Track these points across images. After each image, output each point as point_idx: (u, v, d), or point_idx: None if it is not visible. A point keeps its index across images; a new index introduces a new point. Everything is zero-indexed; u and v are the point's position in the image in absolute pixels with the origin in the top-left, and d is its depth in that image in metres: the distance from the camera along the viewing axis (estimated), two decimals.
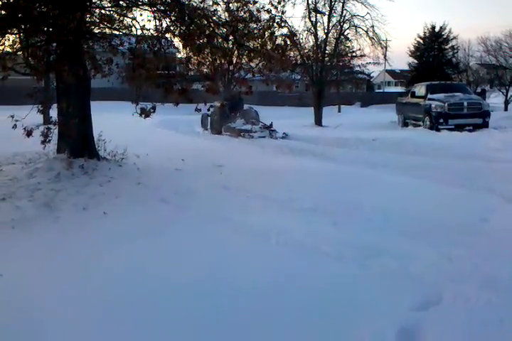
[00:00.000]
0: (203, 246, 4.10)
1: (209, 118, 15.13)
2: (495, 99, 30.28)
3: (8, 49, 7.10)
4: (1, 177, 6.45)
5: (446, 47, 35.25)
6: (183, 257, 3.84)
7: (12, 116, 6.39)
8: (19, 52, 7.04)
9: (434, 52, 34.96)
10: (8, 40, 7.20)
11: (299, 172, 7.27)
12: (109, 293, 3.19)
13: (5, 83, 6.92)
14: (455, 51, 35.46)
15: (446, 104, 14.83)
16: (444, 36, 35.13)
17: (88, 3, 6.91)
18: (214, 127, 14.57)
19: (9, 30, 6.67)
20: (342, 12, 18.85)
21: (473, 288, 3.12)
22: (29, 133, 6.58)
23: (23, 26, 6.46)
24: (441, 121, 14.76)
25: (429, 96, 15.77)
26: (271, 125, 13.18)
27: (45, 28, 6.57)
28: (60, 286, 3.31)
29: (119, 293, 3.20)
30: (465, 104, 14.99)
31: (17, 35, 7.03)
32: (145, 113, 6.96)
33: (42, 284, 3.36)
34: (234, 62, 19.06)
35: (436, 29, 35.20)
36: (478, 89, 25.98)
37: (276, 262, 3.70)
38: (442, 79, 25.00)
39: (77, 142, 7.15)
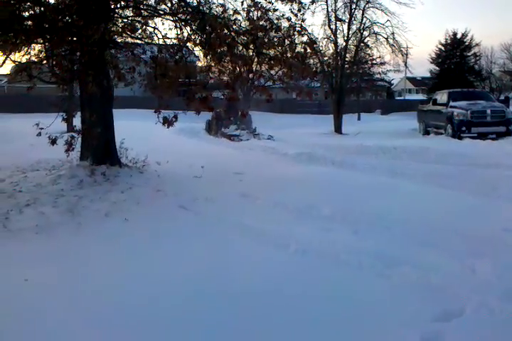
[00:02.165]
0: (222, 254, 4.11)
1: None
2: None
3: (33, 58, 7.29)
4: (25, 184, 6.58)
5: (469, 54, 34.92)
6: (201, 264, 3.86)
7: (37, 124, 6.54)
8: (44, 62, 7.21)
9: (455, 59, 34.66)
10: (34, 49, 7.40)
11: (318, 180, 7.26)
12: (126, 297, 3.22)
13: (30, 91, 7.12)
14: (477, 58, 35.12)
15: (468, 112, 14.64)
16: (466, 43, 34.82)
17: (111, 14, 7.05)
18: (212, 131, 17.05)
19: (35, 40, 6.85)
20: (362, 19, 18.84)
21: (496, 299, 3.06)
22: (53, 142, 6.73)
23: (48, 36, 6.62)
24: (464, 129, 14.56)
25: (451, 103, 15.59)
26: (255, 129, 16.14)
27: (70, 38, 6.72)
28: (83, 291, 3.36)
29: (137, 297, 3.23)
30: (488, 111, 14.77)
31: (42, 45, 7.21)
32: (167, 122, 7.04)
33: (65, 289, 3.41)
34: (254, 70, 19.20)
35: (458, 36, 34.94)
36: (502, 97, 25.61)
37: (296, 271, 3.69)
38: (464, 86, 24.70)
39: (100, 149, 7.28)
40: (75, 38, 6.63)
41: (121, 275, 3.65)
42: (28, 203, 5.61)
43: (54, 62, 6.99)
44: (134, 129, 12.55)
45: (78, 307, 3.13)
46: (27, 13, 6.34)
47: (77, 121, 7.55)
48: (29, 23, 6.34)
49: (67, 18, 6.46)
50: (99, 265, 3.87)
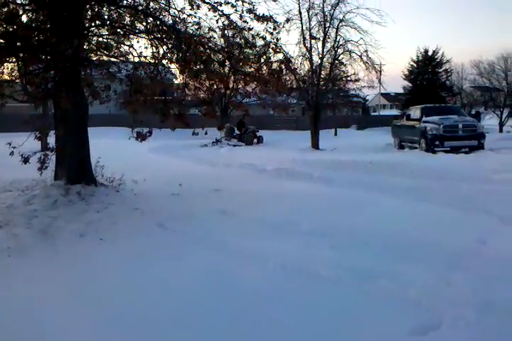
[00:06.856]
0: (200, 271, 4.06)
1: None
2: (490, 121, 30.59)
3: (6, 77, 7.18)
4: None
5: (440, 70, 35.88)
6: (179, 283, 3.80)
7: (9, 143, 6.41)
8: (17, 80, 7.11)
9: (427, 75, 35.56)
10: (7, 68, 7.29)
11: (296, 196, 7.28)
12: (103, 318, 3.15)
13: (2, 110, 6.99)
14: (449, 74, 36.09)
15: (441, 126, 14.94)
16: (438, 60, 35.80)
17: (86, 32, 7.03)
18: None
19: (7, 59, 6.76)
20: (336, 37, 19.14)
21: (472, 312, 3.08)
22: (26, 160, 6.61)
23: (21, 54, 6.54)
24: (437, 143, 14.84)
25: (424, 118, 15.90)
26: (217, 140, 20.86)
27: (43, 56, 6.66)
28: (57, 314, 3.27)
29: (114, 319, 3.15)
30: (460, 126, 15.10)
31: (15, 63, 7.12)
32: (141, 136, 7.01)
33: (39, 312, 3.31)
34: (230, 86, 19.36)
35: (429, 53, 35.92)
36: (473, 112, 26.29)
37: (274, 287, 3.67)
38: (437, 101, 25.27)
39: (75, 168, 7.16)
40: (48, 56, 6.57)
41: (97, 295, 3.57)
42: (0, 225, 5.46)
43: (27, 80, 6.89)
44: (110, 147, 12.44)
45: (50, 330, 3.04)
46: None
47: (51, 140, 7.43)
48: (1, 41, 6.27)
49: (40, 35, 6.40)
50: (73, 287, 3.77)
